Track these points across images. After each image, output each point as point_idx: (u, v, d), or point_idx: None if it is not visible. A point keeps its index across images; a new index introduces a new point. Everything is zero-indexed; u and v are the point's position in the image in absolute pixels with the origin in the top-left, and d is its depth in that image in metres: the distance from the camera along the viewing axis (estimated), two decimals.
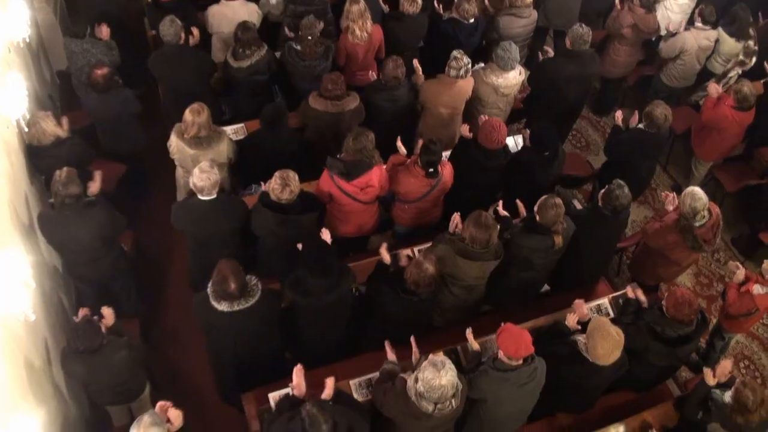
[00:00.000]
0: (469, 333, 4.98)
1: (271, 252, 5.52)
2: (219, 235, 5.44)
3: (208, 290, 4.69)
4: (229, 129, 6.48)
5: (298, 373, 4.42)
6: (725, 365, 5.03)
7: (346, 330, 5.32)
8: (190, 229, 5.54)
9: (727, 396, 4.79)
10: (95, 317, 4.77)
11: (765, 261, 5.74)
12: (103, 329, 4.72)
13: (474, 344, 4.95)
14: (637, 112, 6.63)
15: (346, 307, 5.18)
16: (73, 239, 5.30)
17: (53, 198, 5.23)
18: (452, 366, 4.17)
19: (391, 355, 4.80)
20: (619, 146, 6.66)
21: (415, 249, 5.31)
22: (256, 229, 5.44)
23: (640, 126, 6.46)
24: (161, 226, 5.84)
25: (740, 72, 7.68)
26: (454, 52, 6.36)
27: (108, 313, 4.89)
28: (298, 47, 6.63)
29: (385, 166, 5.83)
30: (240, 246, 5.56)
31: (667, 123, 6.35)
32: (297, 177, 5.25)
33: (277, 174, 5.20)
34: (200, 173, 5.17)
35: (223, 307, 4.62)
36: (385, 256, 5.29)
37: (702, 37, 7.63)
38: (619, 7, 7.78)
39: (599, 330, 4.66)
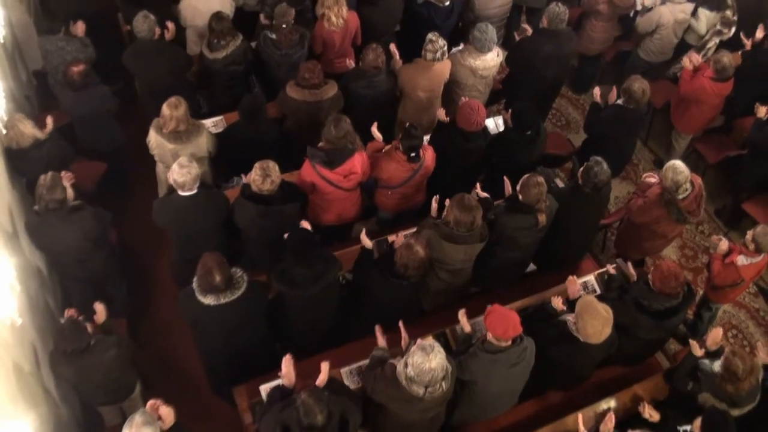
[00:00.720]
0: (461, 314, 4.99)
1: (255, 244, 5.50)
2: (202, 229, 5.42)
3: (194, 284, 4.67)
4: (208, 122, 6.44)
5: (287, 363, 4.42)
6: (716, 333, 5.08)
7: (334, 318, 5.31)
8: (173, 226, 5.51)
9: (716, 365, 4.84)
10: (81, 317, 4.74)
11: (748, 231, 5.77)
12: (90, 329, 4.69)
13: (466, 326, 4.96)
14: (615, 89, 6.63)
15: (334, 295, 5.18)
16: (61, 243, 5.28)
17: (38, 203, 5.20)
18: (441, 349, 4.18)
19: (381, 341, 4.80)
20: (599, 123, 6.66)
21: (402, 234, 5.29)
22: (239, 221, 5.42)
23: (619, 102, 6.47)
24: (144, 222, 5.80)
25: (718, 42, 7.69)
26: (430, 35, 6.34)
27: (100, 309, 4.88)
28: (273, 36, 6.58)
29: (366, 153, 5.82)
30: (224, 239, 5.53)
31: (645, 97, 6.36)
32: (277, 167, 5.22)
33: (257, 165, 5.17)
34: (180, 169, 5.14)
35: (209, 300, 4.61)
36: (366, 241, 5.28)
37: (678, 10, 7.63)
38: None
39: (588, 309, 4.69)
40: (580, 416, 4.74)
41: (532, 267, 6.11)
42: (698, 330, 6.41)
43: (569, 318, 4.85)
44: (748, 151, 7.10)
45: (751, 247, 5.70)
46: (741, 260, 5.77)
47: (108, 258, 5.68)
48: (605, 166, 5.56)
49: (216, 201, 5.47)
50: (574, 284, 5.24)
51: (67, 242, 5.27)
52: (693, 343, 5.06)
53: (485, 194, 5.71)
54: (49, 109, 6.79)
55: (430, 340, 4.27)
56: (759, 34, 7.40)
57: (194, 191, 5.24)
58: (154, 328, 6.32)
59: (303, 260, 4.82)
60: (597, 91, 6.70)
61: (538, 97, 7.03)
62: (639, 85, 6.32)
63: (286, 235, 4.97)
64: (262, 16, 7.07)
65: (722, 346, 5.12)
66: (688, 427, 4.55)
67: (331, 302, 5.21)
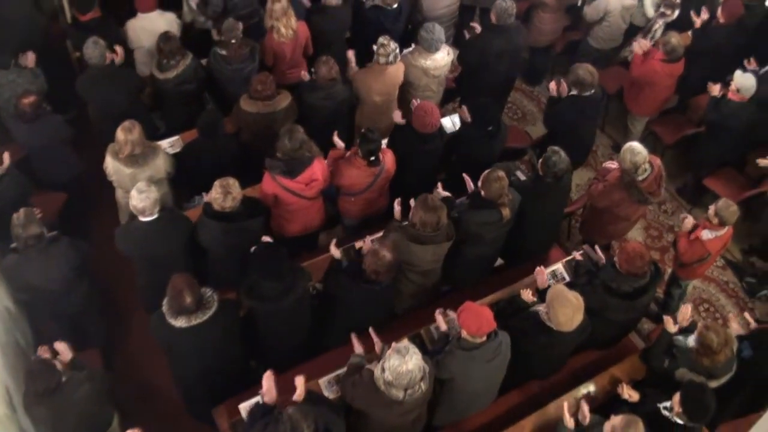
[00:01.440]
0: (438, 313, 4.98)
1: (221, 262, 5.45)
2: (167, 253, 5.35)
3: (164, 308, 4.62)
4: (165, 142, 6.38)
5: (267, 379, 4.38)
6: (685, 310, 5.14)
7: (308, 330, 5.29)
8: (137, 252, 5.44)
9: (691, 340, 4.90)
10: (48, 356, 4.66)
11: (710, 206, 5.85)
12: (60, 366, 4.60)
13: (443, 325, 4.95)
14: (564, 82, 6.65)
15: (306, 307, 5.15)
16: (44, 278, 5.21)
17: (15, 242, 5.13)
18: (416, 350, 4.18)
19: (358, 348, 4.79)
20: (558, 116, 6.69)
21: (368, 239, 5.29)
22: (203, 241, 5.37)
23: (573, 92, 6.52)
24: (110, 250, 5.73)
25: (663, 24, 7.79)
26: (381, 39, 6.34)
27: (63, 348, 4.77)
28: (223, 51, 6.55)
29: (325, 160, 5.80)
30: (189, 260, 5.47)
31: (595, 80, 6.39)
32: (237, 183, 5.19)
33: (216, 183, 5.14)
34: (138, 194, 5.09)
35: (180, 323, 4.56)
36: (335, 251, 5.27)
37: None
38: None
39: (558, 298, 4.71)
40: (565, 404, 4.74)
41: (500, 261, 6.14)
42: (670, 307, 6.49)
43: (541, 308, 4.88)
44: (705, 129, 7.21)
45: (715, 221, 5.77)
46: (706, 235, 5.85)
47: (89, 289, 5.62)
48: (563, 154, 5.60)
49: (178, 223, 5.42)
50: (542, 274, 5.28)
51: (51, 275, 5.21)
52: (666, 319, 5.13)
53: (447, 193, 5.73)
54: (3, 144, 6.68)
55: (405, 342, 4.28)
56: (704, 14, 7.51)
57: (155, 215, 5.19)
58: (129, 356, 6.24)
59: (271, 274, 4.79)
60: (552, 85, 6.71)
61: (492, 92, 7.07)
62: (583, 71, 6.36)
63: (252, 250, 4.94)
64: (214, 32, 7.04)
65: (695, 320, 5.19)
66: (668, 404, 4.58)
67: (303, 314, 5.18)
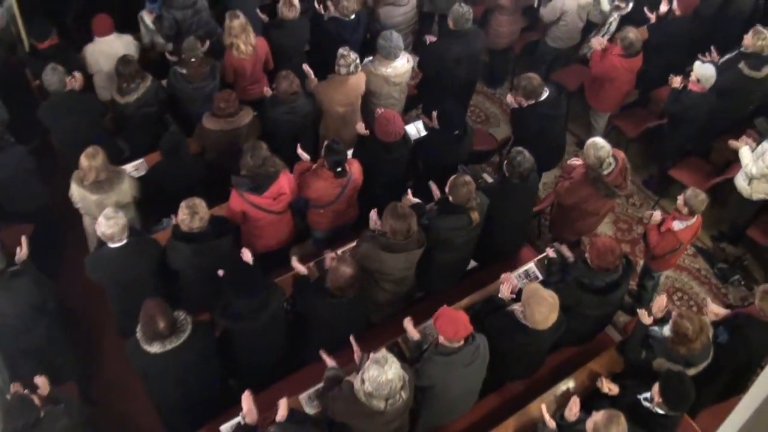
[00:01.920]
0: (407, 323, 4.97)
1: (193, 284, 5.40)
2: (138, 279, 5.29)
3: (138, 334, 4.56)
4: (129, 166, 6.33)
5: (246, 400, 4.34)
6: (660, 301, 5.18)
7: (285, 346, 5.25)
8: (108, 279, 5.38)
9: (666, 330, 4.94)
10: (26, 390, 4.58)
11: (679, 196, 5.91)
12: (38, 401, 4.51)
13: (414, 333, 4.95)
14: (512, 96, 6.66)
15: (281, 323, 5.11)
16: (3, 313, 5.13)
17: None
18: (395, 359, 4.16)
19: (329, 362, 4.78)
20: (524, 126, 6.67)
21: (329, 256, 5.29)
22: (173, 264, 5.32)
23: (531, 101, 6.48)
24: (81, 278, 5.66)
25: (619, 17, 7.88)
26: (341, 50, 6.35)
27: (42, 382, 4.69)
28: (184, 70, 6.53)
29: (291, 174, 5.78)
30: (161, 284, 5.42)
31: (541, 83, 6.41)
32: (204, 203, 5.16)
33: (183, 204, 5.10)
34: (106, 221, 5.04)
35: (155, 348, 4.50)
36: (299, 267, 5.25)
37: None
38: None
39: (533, 296, 4.73)
40: (543, 406, 4.76)
41: (473, 264, 6.15)
42: (644, 299, 6.55)
43: (516, 307, 4.89)
44: (667, 121, 7.30)
45: (684, 210, 5.83)
46: (677, 225, 5.90)
47: (50, 325, 5.50)
48: (527, 154, 5.63)
49: (148, 248, 5.37)
50: (510, 279, 5.31)
51: (10, 311, 5.13)
52: (641, 311, 5.16)
53: (417, 200, 5.74)
54: None
55: (383, 352, 4.25)
56: (663, 7, 7.61)
57: (124, 241, 5.13)
58: (106, 385, 6.14)
59: (244, 292, 4.76)
60: (510, 98, 6.69)
61: (454, 96, 7.09)
62: (526, 81, 6.38)
63: (220, 272, 4.91)
64: (167, 53, 7.02)
65: (669, 310, 5.23)
66: (647, 394, 4.60)
67: (279, 330, 5.14)
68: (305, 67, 6.77)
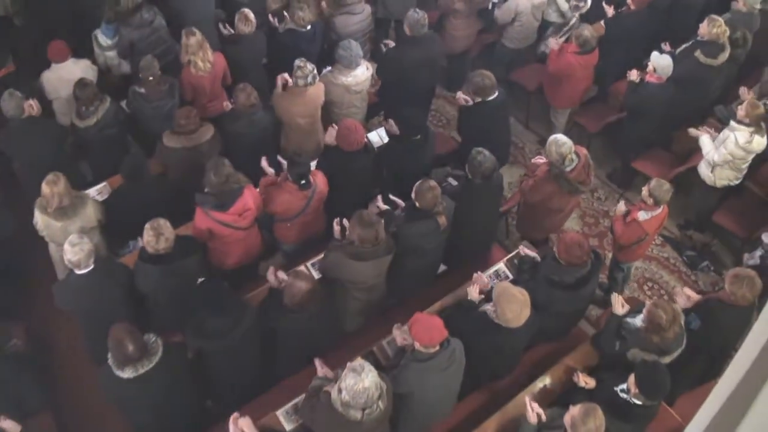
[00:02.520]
0: (396, 328, 4.91)
1: (164, 305, 5.33)
2: (108, 304, 5.22)
3: (109, 360, 4.50)
4: (92, 190, 6.27)
5: (234, 422, 4.31)
6: (617, 300, 5.22)
7: (260, 364, 5.21)
8: (77, 307, 5.31)
9: (638, 320, 4.97)
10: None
11: (643, 187, 5.96)
12: None
13: (400, 339, 4.93)
14: (461, 93, 6.72)
15: (255, 340, 5.06)
16: None
17: None
18: (372, 367, 4.14)
19: (320, 370, 4.75)
20: (469, 124, 6.72)
21: (308, 264, 5.27)
22: (142, 287, 5.26)
23: (478, 99, 6.53)
24: (50, 308, 5.58)
25: (579, 15, 7.96)
26: (297, 62, 6.33)
27: (9, 426, 4.62)
28: (142, 90, 6.49)
29: (257, 189, 5.75)
30: (132, 308, 5.35)
31: (494, 83, 6.45)
32: (169, 224, 5.11)
33: (147, 226, 5.05)
34: (71, 247, 4.98)
35: (128, 374, 4.44)
36: (273, 279, 5.23)
37: None
38: None
39: (503, 295, 4.74)
40: (527, 398, 4.75)
41: (442, 267, 6.16)
42: (614, 291, 6.56)
43: (488, 307, 4.90)
44: (627, 114, 7.37)
45: (650, 201, 5.88)
46: (642, 216, 5.95)
47: (5, 362, 5.42)
48: (487, 153, 5.66)
49: (115, 272, 5.31)
50: (481, 278, 5.33)
51: None
52: (614, 301, 5.20)
53: (386, 206, 5.73)
54: None
55: (359, 361, 4.24)
56: (609, 11, 7.71)
57: (91, 267, 5.07)
58: (83, 416, 6.00)
59: (216, 310, 4.72)
60: (459, 96, 6.74)
61: (415, 102, 7.12)
62: (480, 77, 6.43)
63: (192, 290, 4.87)
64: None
65: (641, 301, 5.27)
66: (624, 386, 4.63)
67: (254, 348, 5.09)
68: (278, 79, 6.74)
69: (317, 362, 4.81)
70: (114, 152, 6.50)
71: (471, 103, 6.58)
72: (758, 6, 7.54)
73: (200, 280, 5.17)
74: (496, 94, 6.49)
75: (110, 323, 4.62)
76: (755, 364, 2.33)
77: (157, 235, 5.02)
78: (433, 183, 5.36)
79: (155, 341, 4.59)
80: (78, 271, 5.08)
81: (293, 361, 4.92)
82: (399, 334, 4.90)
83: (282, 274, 5.12)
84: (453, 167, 6.15)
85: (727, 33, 6.98)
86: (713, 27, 6.94)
